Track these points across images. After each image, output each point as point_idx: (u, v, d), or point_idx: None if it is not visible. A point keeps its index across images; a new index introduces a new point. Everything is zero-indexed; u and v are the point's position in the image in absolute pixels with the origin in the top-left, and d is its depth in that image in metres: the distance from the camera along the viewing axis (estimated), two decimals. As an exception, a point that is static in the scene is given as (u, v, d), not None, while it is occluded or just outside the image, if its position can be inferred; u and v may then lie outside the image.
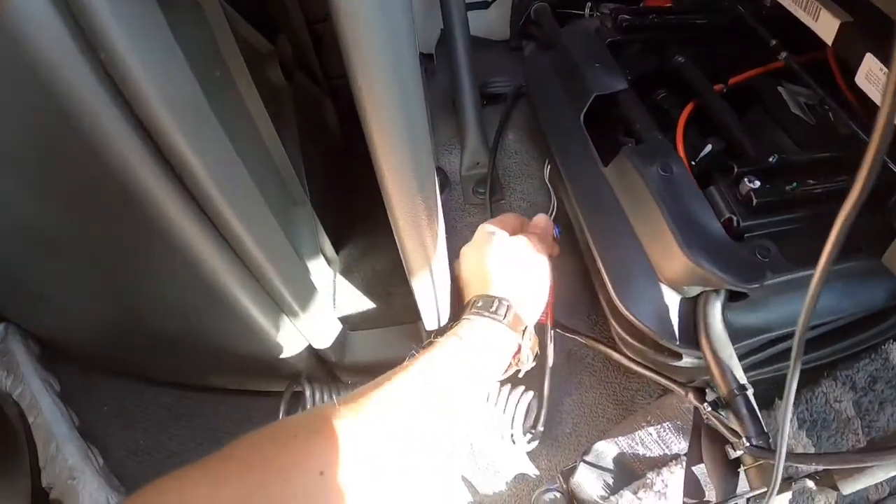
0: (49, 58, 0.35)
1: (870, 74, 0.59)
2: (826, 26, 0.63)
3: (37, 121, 0.40)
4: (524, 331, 0.62)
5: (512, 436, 0.74)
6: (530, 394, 0.75)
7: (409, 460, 0.51)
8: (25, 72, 0.35)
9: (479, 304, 0.62)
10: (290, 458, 0.45)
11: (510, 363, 0.64)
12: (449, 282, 0.67)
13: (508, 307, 0.61)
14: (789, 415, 0.44)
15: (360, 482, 0.46)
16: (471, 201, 0.95)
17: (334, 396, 0.77)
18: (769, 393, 0.74)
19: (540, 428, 0.75)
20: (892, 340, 0.75)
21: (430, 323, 0.69)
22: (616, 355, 0.72)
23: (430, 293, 0.65)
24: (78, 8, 0.33)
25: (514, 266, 0.65)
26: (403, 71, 0.43)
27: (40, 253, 0.59)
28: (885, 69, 0.55)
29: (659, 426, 0.73)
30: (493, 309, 0.61)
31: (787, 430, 0.45)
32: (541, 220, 0.72)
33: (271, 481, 0.43)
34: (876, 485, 0.70)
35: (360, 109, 0.45)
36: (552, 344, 0.74)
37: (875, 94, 0.58)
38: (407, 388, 0.53)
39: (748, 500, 0.55)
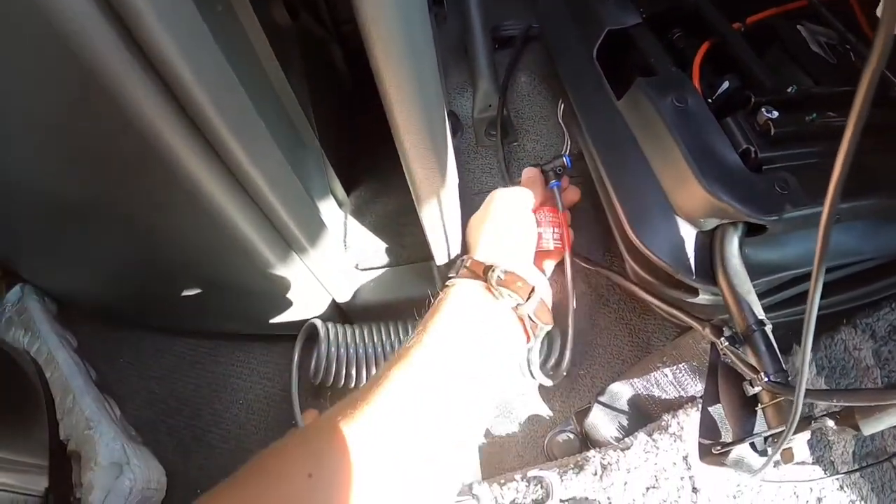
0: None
1: (890, 6, 0.57)
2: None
3: (47, 74, 0.40)
4: (530, 293, 0.59)
5: (531, 373, 0.74)
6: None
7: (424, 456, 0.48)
8: (34, 16, 0.35)
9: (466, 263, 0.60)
10: (285, 463, 0.44)
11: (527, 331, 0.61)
12: (459, 221, 0.66)
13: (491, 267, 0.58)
14: (810, 344, 0.43)
15: (356, 481, 0.44)
16: (483, 143, 0.94)
17: (349, 335, 0.77)
18: (787, 339, 0.73)
19: (563, 372, 0.74)
20: (913, 290, 0.74)
21: (441, 261, 0.69)
22: (634, 288, 0.71)
23: (440, 233, 0.65)
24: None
25: (488, 222, 0.64)
26: (412, 17, 0.43)
27: (55, 210, 0.59)
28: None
29: (675, 367, 0.73)
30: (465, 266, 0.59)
31: (808, 363, 0.44)
32: (526, 171, 0.73)
33: (264, 489, 0.42)
34: (895, 436, 0.70)
35: (370, 57, 0.44)
36: (572, 282, 0.70)
37: (896, 26, 0.56)
38: (414, 376, 0.50)
39: (766, 439, 0.54)
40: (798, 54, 0.74)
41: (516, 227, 0.64)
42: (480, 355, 0.55)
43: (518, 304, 0.58)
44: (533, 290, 0.59)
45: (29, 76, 0.41)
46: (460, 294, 0.57)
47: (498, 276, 0.57)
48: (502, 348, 0.58)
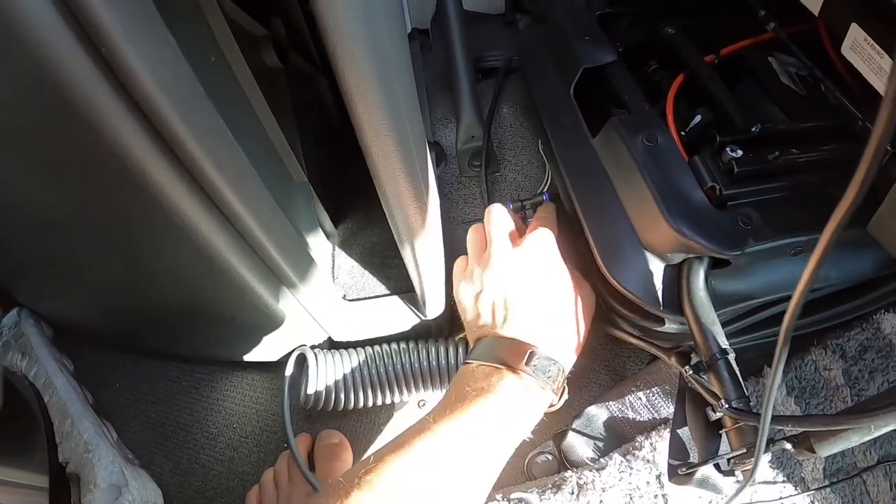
0: (50, 55, 0.36)
1: (855, 45, 0.58)
2: (813, -4, 0.62)
3: (40, 112, 0.41)
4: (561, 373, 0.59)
5: None
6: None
7: None
8: (28, 68, 0.36)
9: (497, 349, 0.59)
10: None
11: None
12: (442, 255, 0.68)
13: (532, 353, 0.57)
14: (778, 379, 0.45)
15: None
16: (466, 174, 0.95)
17: (337, 361, 0.79)
18: (758, 360, 0.76)
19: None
20: (883, 310, 0.76)
21: (422, 296, 0.71)
22: (611, 329, 0.73)
23: (423, 268, 0.66)
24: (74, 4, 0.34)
25: (526, 293, 0.62)
26: (386, 52, 0.43)
27: (50, 238, 0.61)
28: (869, 39, 0.55)
29: (648, 391, 0.75)
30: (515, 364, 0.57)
31: (774, 395, 0.46)
32: (490, 210, 0.70)
33: None
34: (864, 452, 0.72)
35: (343, 93, 0.45)
36: None
37: (861, 65, 0.58)
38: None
39: (728, 460, 0.57)
40: (768, 87, 0.77)
41: (556, 287, 0.64)
42: (503, 443, 0.56)
43: (551, 404, 0.60)
44: (562, 371, 0.60)
45: (23, 116, 0.42)
46: (496, 397, 0.56)
47: (534, 365, 0.57)
48: (524, 433, 0.58)
